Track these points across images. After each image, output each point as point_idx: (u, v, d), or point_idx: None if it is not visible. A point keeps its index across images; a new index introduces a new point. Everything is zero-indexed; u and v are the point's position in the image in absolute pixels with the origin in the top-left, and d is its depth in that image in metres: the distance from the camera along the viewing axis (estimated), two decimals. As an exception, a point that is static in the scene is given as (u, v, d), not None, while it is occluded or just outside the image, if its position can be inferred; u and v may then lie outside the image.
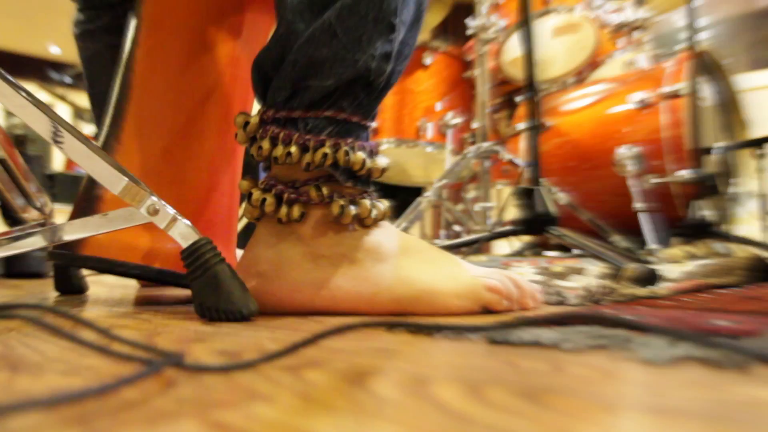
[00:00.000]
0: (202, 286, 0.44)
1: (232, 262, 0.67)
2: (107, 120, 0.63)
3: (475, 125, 1.77)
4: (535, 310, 0.51)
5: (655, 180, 1.36)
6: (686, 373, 0.24)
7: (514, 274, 0.53)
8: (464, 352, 0.30)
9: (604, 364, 0.26)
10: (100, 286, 0.95)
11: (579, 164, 1.50)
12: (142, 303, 0.64)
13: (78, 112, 4.24)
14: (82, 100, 3.84)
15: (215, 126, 0.64)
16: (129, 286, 0.96)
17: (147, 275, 0.58)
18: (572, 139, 1.52)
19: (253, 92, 0.52)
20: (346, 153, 0.49)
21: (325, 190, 0.49)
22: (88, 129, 3.96)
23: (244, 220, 1.60)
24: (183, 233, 0.46)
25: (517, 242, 2.01)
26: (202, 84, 0.64)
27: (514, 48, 1.64)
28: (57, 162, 4.58)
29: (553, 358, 0.27)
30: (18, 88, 0.48)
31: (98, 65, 0.79)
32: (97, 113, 0.80)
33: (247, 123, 0.51)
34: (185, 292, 0.78)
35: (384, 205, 0.53)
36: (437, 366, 0.27)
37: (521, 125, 1.65)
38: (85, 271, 0.78)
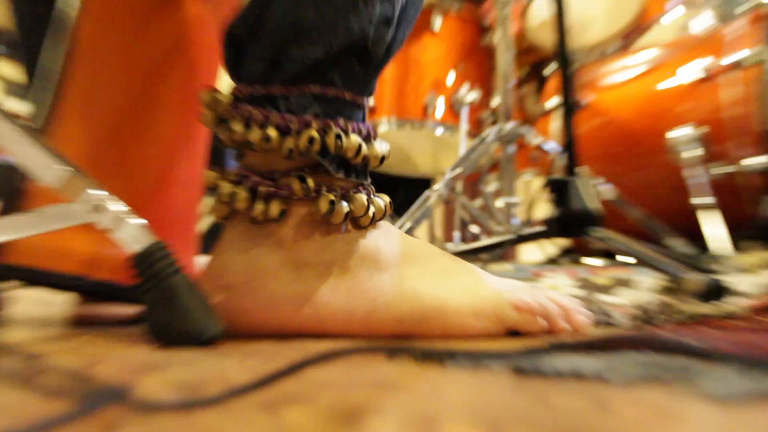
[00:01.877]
0: (154, 301, 0.44)
1: (191, 272, 0.67)
2: (45, 97, 0.63)
3: (495, 102, 1.78)
4: (576, 334, 0.50)
5: (717, 169, 1.36)
6: (765, 412, 0.23)
7: (548, 290, 0.52)
8: (484, 385, 0.30)
9: (661, 402, 0.26)
10: (16, 302, 0.94)
11: (624, 150, 1.51)
12: (79, 323, 0.63)
13: (10, 87, 4.26)
14: (16, 72, 3.85)
15: (173, 102, 0.64)
16: (55, 303, 0.95)
17: (85, 287, 0.58)
18: (615, 119, 1.53)
19: (223, 64, 0.52)
20: (338, 137, 0.49)
21: (310, 183, 0.49)
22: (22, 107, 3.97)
23: (209, 220, 1.61)
24: (132, 235, 0.45)
25: (550, 247, 2.02)
26: (158, 50, 0.64)
27: (542, 8, 1.64)
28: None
29: (595, 393, 0.27)
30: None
31: (37, 32, 0.79)
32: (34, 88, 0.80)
33: (215, 100, 0.50)
34: (135, 310, 0.77)
35: (384, 200, 0.53)
36: (450, 403, 0.26)
37: (552, 102, 1.66)
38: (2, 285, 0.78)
